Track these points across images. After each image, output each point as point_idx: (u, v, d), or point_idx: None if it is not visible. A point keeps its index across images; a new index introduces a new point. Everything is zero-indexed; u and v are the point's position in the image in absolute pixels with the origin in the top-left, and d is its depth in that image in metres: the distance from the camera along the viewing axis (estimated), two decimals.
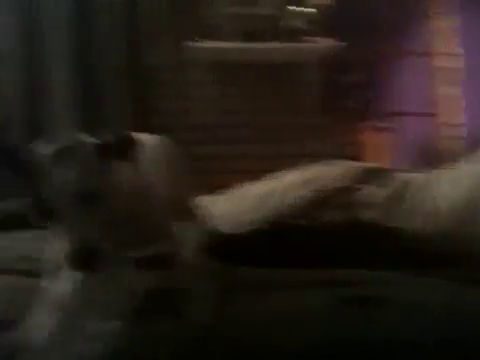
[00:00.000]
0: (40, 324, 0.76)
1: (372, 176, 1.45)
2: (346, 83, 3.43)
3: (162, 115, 2.81)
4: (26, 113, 2.64)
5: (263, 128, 2.96)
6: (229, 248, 1.17)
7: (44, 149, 0.85)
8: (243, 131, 2.93)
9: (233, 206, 1.53)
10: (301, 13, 2.79)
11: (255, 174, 2.73)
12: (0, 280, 1.06)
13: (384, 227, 1.25)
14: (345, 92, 3.44)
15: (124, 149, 0.87)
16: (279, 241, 1.26)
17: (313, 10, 2.81)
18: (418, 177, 1.39)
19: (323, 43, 2.80)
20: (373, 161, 2.83)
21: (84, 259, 0.76)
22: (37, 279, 1.01)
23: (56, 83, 2.66)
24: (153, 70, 2.82)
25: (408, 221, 1.26)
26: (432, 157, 2.65)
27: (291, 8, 2.77)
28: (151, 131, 2.49)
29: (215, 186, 2.63)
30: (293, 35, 2.74)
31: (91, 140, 0.88)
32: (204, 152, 2.80)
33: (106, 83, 2.69)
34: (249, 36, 2.68)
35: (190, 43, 2.60)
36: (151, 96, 2.83)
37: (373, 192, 1.37)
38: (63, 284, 0.77)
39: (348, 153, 2.91)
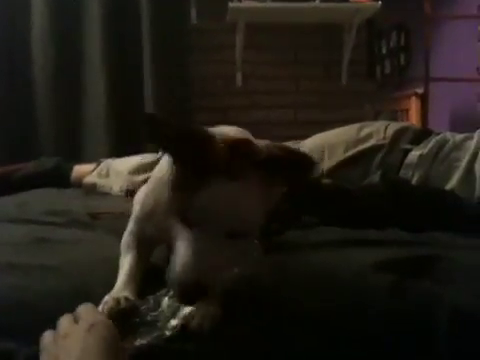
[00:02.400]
0: None
1: (408, 135, 1.45)
2: (384, 50, 3.38)
3: (205, 80, 2.83)
4: None
5: (302, 93, 2.96)
6: None
7: None
8: (282, 97, 2.94)
9: None
10: None
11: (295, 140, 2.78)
12: (28, 229, 1.12)
13: (418, 186, 1.26)
14: (383, 57, 3.39)
15: None
16: (317, 201, 1.26)
17: None
18: (455, 137, 1.38)
19: (363, 2, 2.75)
20: None
21: None
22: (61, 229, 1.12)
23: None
24: (196, 33, 2.82)
25: (443, 180, 1.27)
26: (470, 123, 2.60)
27: None
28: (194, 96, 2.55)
29: None
30: None
31: None
32: (245, 118, 2.84)
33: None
34: None
35: (232, 3, 2.57)
36: (193, 61, 2.81)
37: (408, 151, 1.37)
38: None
39: (388, 118, 2.90)
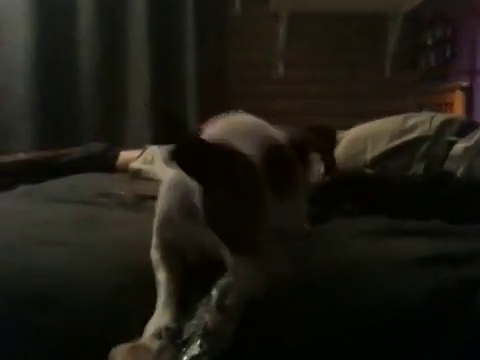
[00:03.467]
0: None
1: (453, 127, 1.42)
2: (430, 42, 3.29)
3: (247, 68, 2.83)
4: None
5: (341, 83, 2.93)
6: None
7: None
8: (323, 86, 2.91)
9: None
10: None
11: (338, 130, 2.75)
12: (79, 209, 1.16)
13: (461, 179, 1.24)
14: (427, 48, 3.31)
15: None
16: (360, 190, 1.25)
17: None
18: None
19: None
20: None
21: None
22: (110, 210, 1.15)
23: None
24: (237, 22, 2.83)
25: None
26: None
27: None
28: (234, 84, 2.55)
29: None
30: None
31: None
32: (285, 106, 2.83)
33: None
34: None
35: None
36: (235, 48, 2.83)
37: (454, 143, 1.35)
38: None
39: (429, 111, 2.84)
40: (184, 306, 0.76)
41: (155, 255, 0.86)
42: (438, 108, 2.91)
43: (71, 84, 2.65)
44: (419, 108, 3.00)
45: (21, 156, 1.91)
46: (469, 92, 2.70)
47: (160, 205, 0.87)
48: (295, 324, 0.74)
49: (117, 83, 2.67)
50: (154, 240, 0.88)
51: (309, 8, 2.73)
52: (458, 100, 2.75)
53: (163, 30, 2.70)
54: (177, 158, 0.67)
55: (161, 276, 0.82)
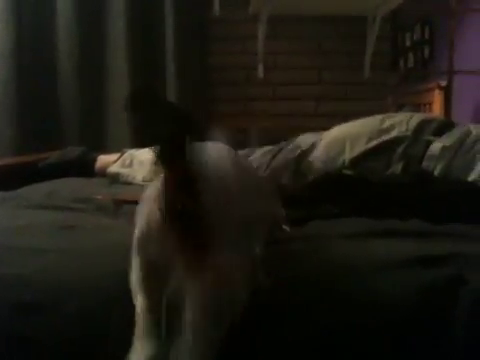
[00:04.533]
0: None
1: (431, 127, 1.45)
2: (408, 43, 3.34)
3: (227, 70, 2.85)
4: None
5: (325, 85, 2.96)
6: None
7: None
8: (303, 88, 2.93)
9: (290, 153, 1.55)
10: None
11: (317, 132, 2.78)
12: (57, 215, 1.15)
13: (441, 178, 1.26)
14: (406, 50, 3.36)
15: None
16: (339, 191, 1.26)
17: None
18: (478, 128, 1.37)
19: None
20: None
21: None
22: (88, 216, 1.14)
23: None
24: (217, 24, 2.84)
25: (465, 172, 1.26)
26: None
27: None
28: (215, 86, 2.55)
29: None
30: None
31: None
32: (266, 108, 2.86)
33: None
34: None
35: None
36: (215, 51, 2.84)
37: (432, 142, 1.37)
38: None
39: (408, 111, 2.88)
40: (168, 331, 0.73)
41: (134, 278, 0.80)
42: (418, 108, 2.95)
43: (50, 88, 2.63)
44: (399, 108, 3.04)
45: None
46: (447, 91, 2.74)
47: (138, 222, 0.80)
48: (282, 327, 0.75)
49: (97, 86, 2.67)
50: (133, 261, 0.81)
51: (288, 11, 2.75)
52: (437, 99, 2.78)
53: (143, 32, 2.70)
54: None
55: (140, 304, 0.77)
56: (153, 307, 0.76)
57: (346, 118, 2.84)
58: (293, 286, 0.78)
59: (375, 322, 0.76)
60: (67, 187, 1.55)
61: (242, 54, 2.89)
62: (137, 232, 0.80)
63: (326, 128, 2.57)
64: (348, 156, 1.42)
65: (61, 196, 1.36)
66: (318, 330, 0.75)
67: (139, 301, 0.77)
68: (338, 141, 1.47)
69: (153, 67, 2.71)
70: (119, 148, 1.96)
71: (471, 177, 1.26)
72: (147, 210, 0.76)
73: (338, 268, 0.84)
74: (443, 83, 2.70)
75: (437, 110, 2.76)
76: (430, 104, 2.84)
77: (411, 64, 3.32)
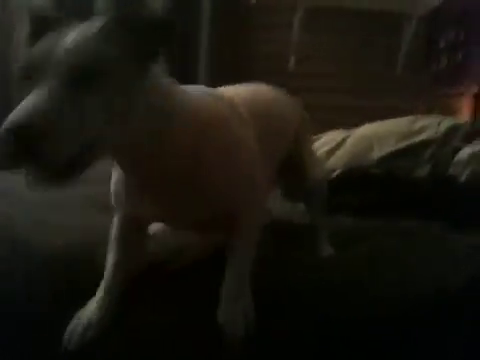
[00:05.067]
0: None
1: (460, 132, 1.45)
2: (443, 43, 3.30)
3: (258, 59, 2.82)
4: None
5: (353, 78, 2.94)
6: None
7: None
8: (334, 81, 2.92)
9: (318, 150, 1.56)
10: None
11: (345, 126, 2.77)
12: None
13: (466, 184, 1.27)
14: (439, 51, 3.32)
15: None
16: (365, 189, 1.29)
17: None
18: None
19: None
20: None
21: None
22: None
23: None
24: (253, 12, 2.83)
25: None
26: None
27: None
28: (247, 74, 2.55)
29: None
30: None
31: None
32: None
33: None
34: None
35: None
36: (250, 39, 2.82)
37: (459, 148, 1.38)
38: None
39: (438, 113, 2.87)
40: None
41: (112, 232, 0.85)
42: (445, 111, 2.93)
43: None
44: (426, 111, 3.02)
45: None
46: (478, 99, 2.72)
47: (112, 178, 0.82)
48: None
49: None
50: (115, 216, 0.86)
51: (325, 3, 2.74)
52: (466, 105, 2.76)
53: (178, 15, 2.71)
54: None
55: (109, 261, 0.82)
56: (120, 266, 0.81)
57: (375, 113, 2.85)
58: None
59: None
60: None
61: (276, 43, 2.87)
62: (111, 187, 0.82)
63: (354, 121, 2.58)
64: (376, 155, 1.43)
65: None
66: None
67: (110, 257, 0.82)
68: (367, 139, 1.48)
69: (187, 52, 2.72)
70: None
71: None
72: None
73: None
74: (475, 89, 2.68)
75: (466, 116, 2.75)
76: (459, 109, 2.83)
77: (443, 66, 3.29)
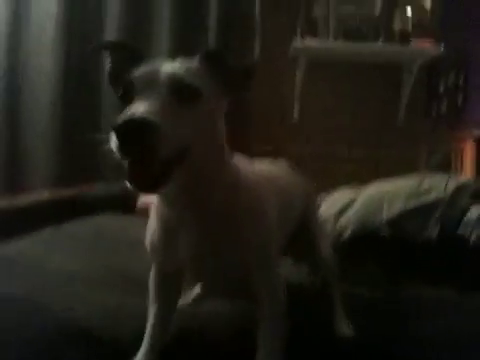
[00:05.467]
0: None
1: (467, 191, 1.47)
2: (441, 90, 3.36)
3: (263, 111, 2.87)
4: None
5: (355, 130, 2.99)
6: None
7: None
8: (337, 132, 2.98)
9: (327, 210, 1.58)
10: (404, 15, 2.77)
11: (349, 176, 2.80)
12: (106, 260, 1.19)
13: (478, 246, 1.28)
14: (440, 96, 3.37)
15: None
16: (373, 251, 1.30)
17: (415, 13, 2.80)
18: None
19: (425, 45, 2.78)
20: (466, 169, 2.80)
21: None
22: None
23: None
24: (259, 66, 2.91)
25: None
26: None
27: (396, 10, 2.77)
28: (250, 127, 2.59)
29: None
30: (397, 36, 2.74)
31: None
32: (299, 151, 2.89)
33: None
34: (352, 35, 2.71)
35: (296, 41, 2.66)
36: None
37: (468, 208, 1.39)
38: None
39: (441, 159, 2.90)
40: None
41: (151, 285, 0.89)
42: (448, 157, 2.95)
43: (93, 119, 2.71)
44: (429, 156, 3.05)
45: (45, 195, 1.96)
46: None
47: (148, 227, 0.87)
48: None
49: None
50: (152, 269, 0.90)
51: (327, 58, 2.82)
52: (469, 149, 2.79)
53: None
54: None
55: (151, 312, 0.87)
56: (163, 315, 0.86)
57: (379, 164, 2.89)
58: None
59: None
60: (114, 226, 1.61)
61: (280, 96, 2.94)
62: (147, 237, 0.86)
63: (360, 173, 2.61)
64: (386, 215, 1.45)
65: (111, 236, 1.41)
66: None
67: (151, 308, 0.87)
68: (376, 199, 1.50)
69: None
70: None
71: None
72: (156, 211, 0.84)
73: None
74: (477, 132, 2.71)
75: (469, 160, 2.77)
76: (461, 153, 2.85)
77: (444, 111, 3.33)
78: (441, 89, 3.36)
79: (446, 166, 2.88)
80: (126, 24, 2.73)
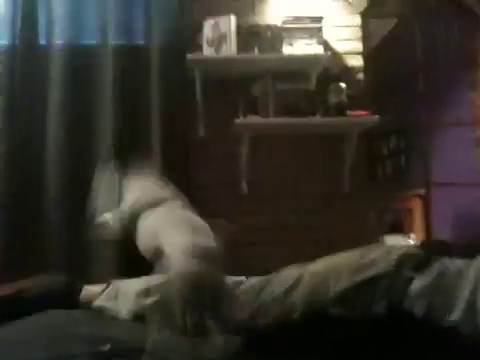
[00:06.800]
0: None
1: (410, 262, 1.46)
2: (385, 152, 3.48)
3: (211, 187, 2.91)
4: None
5: (303, 199, 3.04)
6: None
7: None
8: (285, 202, 3.01)
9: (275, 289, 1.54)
10: (339, 88, 2.90)
11: (294, 246, 2.80)
12: None
13: (424, 319, 1.26)
14: (383, 158, 3.48)
15: None
16: (314, 333, 1.26)
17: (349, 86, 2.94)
18: (455, 263, 1.38)
19: (361, 115, 2.89)
20: (414, 229, 2.86)
21: None
22: None
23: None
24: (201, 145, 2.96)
25: (446, 311, 1.26)
26: (473, 228, 2.63)
27: (332, 84, 2.90)
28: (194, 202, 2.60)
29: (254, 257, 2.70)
30: (335, 109, 2.85)
31: None
32: (249, 222, 2.90)
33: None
34: (290, 111, 2.80)
35: (238, 119, 2.73)
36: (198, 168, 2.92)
37: (412, 279, 1.38)
38: None
39: (389, 221, 2.95)
40: None
41: None
42: (398, 215, 3.01)
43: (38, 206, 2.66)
44: (379, 216, 3.10)
45: None
46: (426, 201, 2.82)
47: None
48: None
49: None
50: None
51: (268, 133, 2.89)
52: (417, 207, 2.87)
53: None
54: None
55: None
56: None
57: (328, 230, 2.91)
58: None
59: None
60: (57, 324, 1.51)
61: (225, 172, 2.98)
62: None
63: (310, 241, 2.59)
64: (333, 291, 1.41)
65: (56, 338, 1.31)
66: None
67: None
68: (321, 275, 1.47)
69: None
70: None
71: (454, 317, 1.26)
72: None
73: None
74: (421, 192, 2.79)
75: (418, 217, 2.84)
76: (410, 211, 2.92)
77: (389, 171, 3.43)
78: (384, 152, 3.49)
79: (398, 226, 2.93)
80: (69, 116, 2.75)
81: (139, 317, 1.55)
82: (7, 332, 1.45)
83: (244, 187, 2.99)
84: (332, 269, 1.50)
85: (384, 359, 1.18)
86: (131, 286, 1.76)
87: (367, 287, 1.40)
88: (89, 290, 1.86)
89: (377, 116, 2.84)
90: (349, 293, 1.41)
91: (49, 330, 1.46)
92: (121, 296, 1.74)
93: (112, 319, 1.67)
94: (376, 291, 1.39)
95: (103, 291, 1.79)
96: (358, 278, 1.43)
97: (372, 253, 1.51)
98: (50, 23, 2.83)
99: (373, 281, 1.41)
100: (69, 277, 1.97)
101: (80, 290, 1.88)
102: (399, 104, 3.03)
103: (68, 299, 1.84)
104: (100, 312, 1.72)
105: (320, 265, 1.56)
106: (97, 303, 1.74)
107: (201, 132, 2.95)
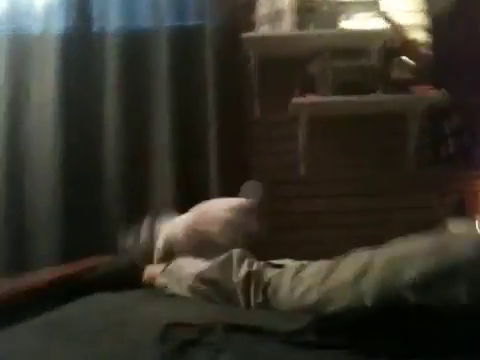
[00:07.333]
0: None
1: None
2: (447, 132, 3.32)
3: (263, 171, 2.85)
4: None
5: (363, 181, 2.93)
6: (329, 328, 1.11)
7: None
8: (344, 185, 2.91)
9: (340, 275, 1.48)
10: (402, 64, 2.77)
11: (355, 230, 2.71)
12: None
13: None
14: (446, 137, 3.32)
15: None
16: (394, 323, 1.19)
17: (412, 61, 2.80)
18: None
19: (426, 93, 2.75)
20: (475, 212, 2.71)
21: None
22: None
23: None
24: (257, 126, 2.90)
25: None
26: None
27: (393, 59, 2.76)
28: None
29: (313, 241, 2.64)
30: (396, 86, 2.72)
31: None
32: (304, 207, 2.85)
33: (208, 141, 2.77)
34: (350, 88, 2.68)
35: (295, 99, 2.64)
36: (254, 152, 2.87)
37: None
38: None
39: (453, 203, 2.82)
40: None
41: None
42: (462, 196, 2.87)
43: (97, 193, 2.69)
44: (442, 198, 2.96)
45: (45, 275, 1.89)
46: None
47: None
48: None
49: (142, 193, 2.70)
50: None
51: (327, 113, 2.79)
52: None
53: (184, 136, 2.77)
54: None
55: None
56: None
57: (388, 214, 2.80)
58: None
59: None
60: (116, 304, 1.51)
61: (283, 154, 2.90)
62: None
63: (370, 224, 2.48)
64: (408, 276, 1.33)
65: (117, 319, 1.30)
66: None
67: None
68: (395, 261, 1.39)
69: (196, 172, 2.74)
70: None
71: None
72: None
73: None
74: None
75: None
76: (476, 193, 2.78)
77: (452, 151, 3.27)
78: (447, 130, 3.33)
79: (462, 209, 2.80)
80: (125, 101, 2.77)
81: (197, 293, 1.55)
82: (71, 312, 1.45)
83: (302, 170, 2.91)
84: (405, 254, 1.41)
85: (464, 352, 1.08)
86: (191, 265, 1.75)
87: (447, 274, 1.32)
88: (151, 270, 1.87)
89: (445, 90, 2.65)
90: (428, 278, 1.32)
91: (108, 312, 1.45)
92: (181, 274, 1.73)
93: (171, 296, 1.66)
94: (456, 278, 1.30)
95: (164, 269, 1.80)
96: (434, 262, 1.35)
97: (448, 239, 1.42)
98: (104, 8, 2.83)
99: (452, 267, 1.32)
100: (131, 257, 1.99)
101: (143, 270, 1.89)
102: (463, 80, 2.86)
103: (132, 279, 1.86)
104: (161, 291, 1.72)
105: (390, 250, 1.48)
106: (160, 280, 1.75)
107: (257, 113, 2.88)
